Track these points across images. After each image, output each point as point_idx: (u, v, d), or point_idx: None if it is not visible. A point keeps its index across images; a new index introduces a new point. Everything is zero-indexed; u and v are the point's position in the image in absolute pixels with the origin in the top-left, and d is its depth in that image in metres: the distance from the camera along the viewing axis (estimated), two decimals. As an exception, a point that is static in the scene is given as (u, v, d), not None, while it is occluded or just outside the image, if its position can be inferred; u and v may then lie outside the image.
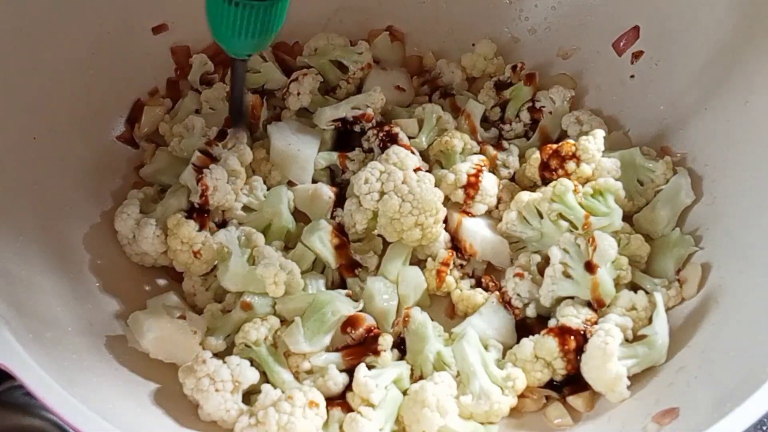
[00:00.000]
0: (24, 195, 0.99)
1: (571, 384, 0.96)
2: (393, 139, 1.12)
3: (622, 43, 1.16)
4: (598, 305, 0.98)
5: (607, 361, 0.89)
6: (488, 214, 1.11)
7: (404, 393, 0.94)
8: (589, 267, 0.97)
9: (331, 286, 1.06)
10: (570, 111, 1.19)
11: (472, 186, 1.08)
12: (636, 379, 0.92)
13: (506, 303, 1.03)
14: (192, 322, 0.99)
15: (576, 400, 0.95)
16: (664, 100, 1.13)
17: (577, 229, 1.01)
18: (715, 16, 1.04)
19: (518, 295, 1.02)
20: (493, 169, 1.14)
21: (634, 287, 1.01)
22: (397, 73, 1.26)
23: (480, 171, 1.09)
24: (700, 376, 0.86)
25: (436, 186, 1.05)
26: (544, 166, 1.09)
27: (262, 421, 0.86)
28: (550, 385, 0.97)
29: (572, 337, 0.94)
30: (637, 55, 1.16)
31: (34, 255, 0.96)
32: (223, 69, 1.24)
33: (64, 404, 0.73)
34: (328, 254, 1.04)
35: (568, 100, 1.20)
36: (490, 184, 1.09)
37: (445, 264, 1.05)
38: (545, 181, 1.09)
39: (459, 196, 1.08)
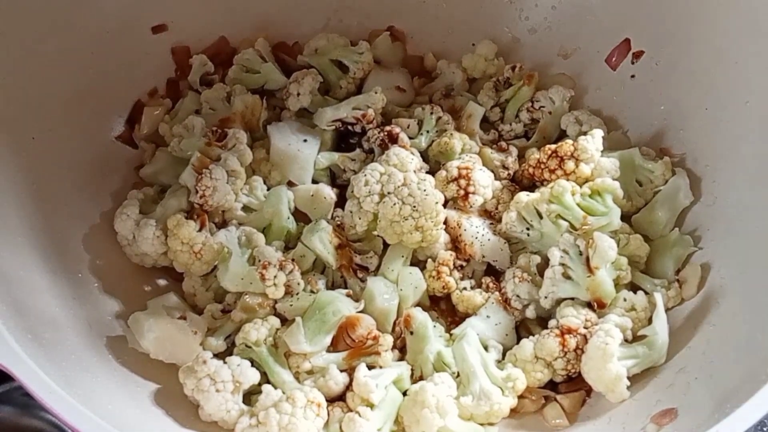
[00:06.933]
0: (23, 195, 0.98)
1: (569, 384, 0.97)
2: (393, 139, 1.12)
3: (614, 58, 1.17)
4: (598, 306, 0.97)
5: (607, 361, 0.89)
6: (488, 214, 1.11)
7: (404, 393, 0.94)
8: (589, 268, 0.97)
9: (332, 286, 1.06)
10: (569, 111, 1.19)
11: (462, 177, 1.07)
12: (636, 379, 0.92)
13: (506, 304, 1.03)
14: (192, 323, 0.99)
15: (564, 400, 0.95)
16: (664, 100, 1.13)
17: (576, 229, 1.01)
18: (715, 16, 1.04)
19: (518, 296, 1.02)
20: (493, 170, 1.14)
21: (633, 288, 1.01)
22: (398, 73, 1.26)
23: (470, 165, 1.08)
24: (700, 377, 0.86)
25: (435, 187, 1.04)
26: (540, 165, 1.09)
27: (263, 421, 0.86)
28: (547, 385, 0.97)
29: (572, 338, 0.94)
30: (637, 55, 1.15)
31: (33, 255, 0.95)
32: (223, 69, 1.24)
33: (62, 405, 0.73)
34: (329, 254, 1.04)
35: (568, 100, 1.19)
36: (482, 176, 1.09)
37: (445, 265, 1.05)
38: (543, 182, 1.09)
39: (452, 189, 1.08)
